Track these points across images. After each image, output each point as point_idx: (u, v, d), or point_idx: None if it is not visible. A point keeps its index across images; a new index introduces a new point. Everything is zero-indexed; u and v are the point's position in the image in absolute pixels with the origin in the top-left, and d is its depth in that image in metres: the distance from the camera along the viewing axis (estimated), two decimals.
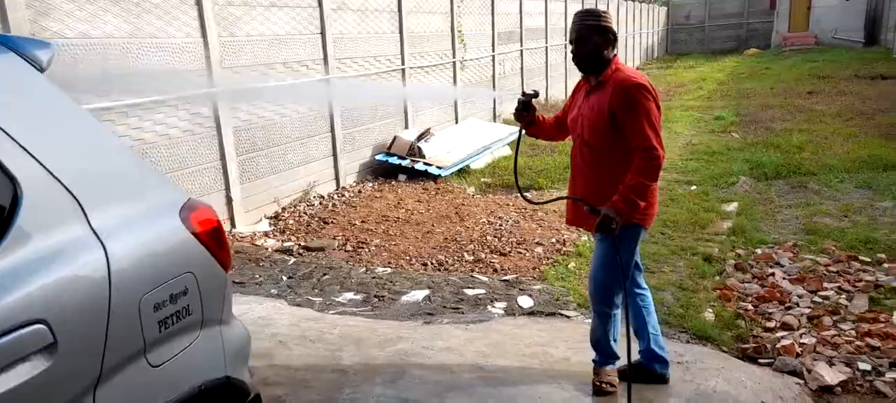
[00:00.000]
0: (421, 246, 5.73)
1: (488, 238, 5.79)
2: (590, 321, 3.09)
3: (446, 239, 5.89)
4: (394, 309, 4.17)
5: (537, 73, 15.11)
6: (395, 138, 8.72)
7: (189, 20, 5.81)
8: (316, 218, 6.64)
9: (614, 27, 2.81)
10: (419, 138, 8.71)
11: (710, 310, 4.04)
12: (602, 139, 2.77)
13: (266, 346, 3.46)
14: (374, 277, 4.79)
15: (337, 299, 4.38)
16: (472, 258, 5.31)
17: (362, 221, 6.53)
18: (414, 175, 8.35)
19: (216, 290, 1.92)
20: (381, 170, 8.62)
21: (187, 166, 5.89)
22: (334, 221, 6.54)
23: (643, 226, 2.85)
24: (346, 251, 5.64)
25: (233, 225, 6.41)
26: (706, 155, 8.83)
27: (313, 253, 5.58)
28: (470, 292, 4.43)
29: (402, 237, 5.99)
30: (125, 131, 5.28)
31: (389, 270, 4.99)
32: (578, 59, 2.82)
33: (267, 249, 5.64)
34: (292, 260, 5.27)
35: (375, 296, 4.40)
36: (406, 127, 9.34)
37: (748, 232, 5.53)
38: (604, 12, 2.82)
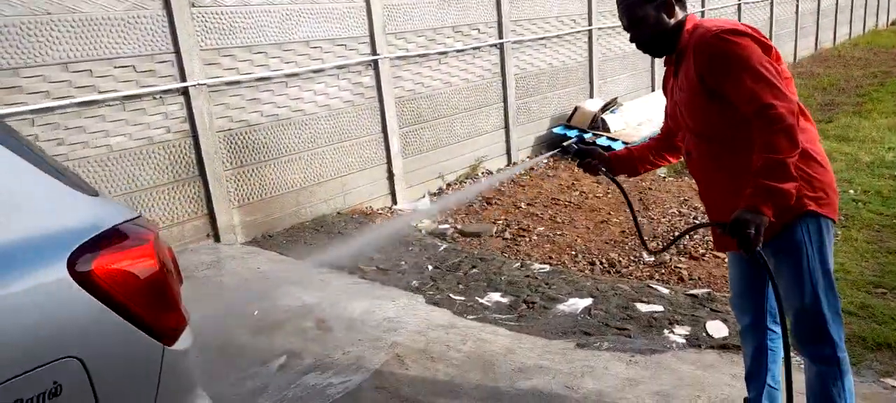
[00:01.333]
0: (591, 238, 4.87)
1: (677, 234, 4.74)
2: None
3: (623, 231, 4.95)
4: (544, 321, 3.44)
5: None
6: (576, 109, 7.80)
7: None
8: (480, 198, 6.06)
9: None
10: (604, 109, 7.70)
11: None
12: (708, 120, 1.98)
13: (382, 360, 2.96)
14: (527, 275, 4.07)
15: (480, 300, 3.76)
16: (651, 259, 4.34)
17: (528, 204, 5.81)
18: None
19: (134, 382, 1.28)
20: (558, 144, 7.75)
21: (348, 138, 5.63)
22: (498, 202, 5.91)
23: (823, 214, 1.92)
24: (503, 239, 4.98)
25: (394, 201, 6.09)
26: None
27: (468, 239, 5.01)
28: (643, 308, 3.53)
29: (571, 226, 5.17)
30: (284, 102, 5.12)
31: (548, 268, 4.24)
32: (643, 47, 2.11)
33: (420, 232, 5.19)
34: (444, 246, 4.75)
35: (525, 301, 3.69)
36: (591, 96, 8.35)
37: None
38: None
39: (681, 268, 4.14)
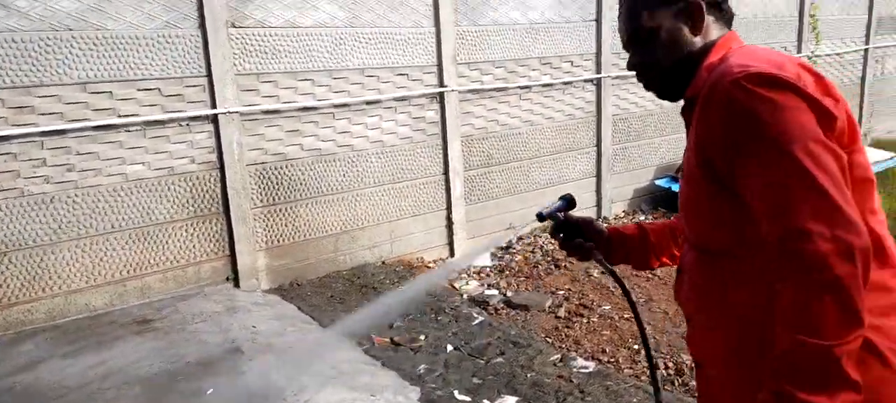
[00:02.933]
0: (666, 329, 3.91)
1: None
2: None
3: None
4: None
5: None
6: None
7: (418, 5, 4.94)
8: (550, 258, 5.25)
9: None
10: None
11: None
12: (710, 224, 1.20)
13: None
14: (562, 376, 3.24)
15: None
16: None
17: (603, 272, 4.90)
18: None
19: None
20: (663, 199, 6.72)
21: (402, 178, 5.08)
22: (569, 265, 5.06)
23: None
24: (556, 316, 4.15)
25: (451, 252, 5.44)
26: None
27: (513, 312, 4.23)
28: None
29: (646, 307, 4.22)
30: (329, 135, 4.67)
31: (592, 367, 3.37)
32: (651, 84, 1.37)
33: (462, 296, 4.49)
34: (480, 319, 4.01)
35: None
36: None
37: None
38: None
39: None
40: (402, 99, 4.97)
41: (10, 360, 3.34)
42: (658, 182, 6.67)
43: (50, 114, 3.65)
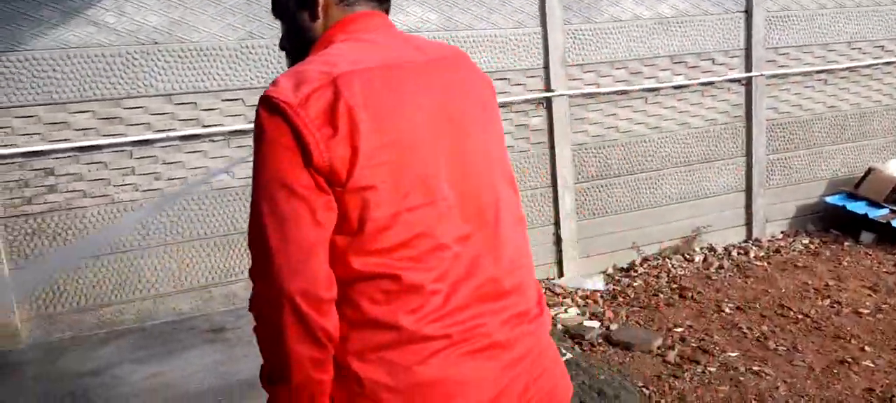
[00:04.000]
0: (808, 390, 3.04)
1: None
2: None
3: (880, 389, 3.00)
4: None
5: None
6: (869, 171, 5.45)
7: (522, 4, 4.48)
8: (674, 286, 4.48)
9: None
10: None
11: None
12: None
13: None
14: None
15: None
16: None
17: (739, 307, 4.06)
18: (890, 236, 5.04)
19: None
20: (833, 220, 5.53)
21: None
22: (696, 297, 4.27)
23: None
24: (664, 361, 3.44)
25: (560, 272, 4.87)
26: None
27: (611, 351, 3.59)
28: None
29: (785, 358, 3.36)
30: None
31: None
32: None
33: (555, 325, 3.93)
34: (568, 355, 3.44)
35: None
36: None
37: None
38: None
39: None
40: (503, 105, 4.52)
41: (89, 362, 3.44)
42: (830, 199, 5.50)
43: (137, 124, 3.76)
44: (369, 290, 1.01)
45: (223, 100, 3.90)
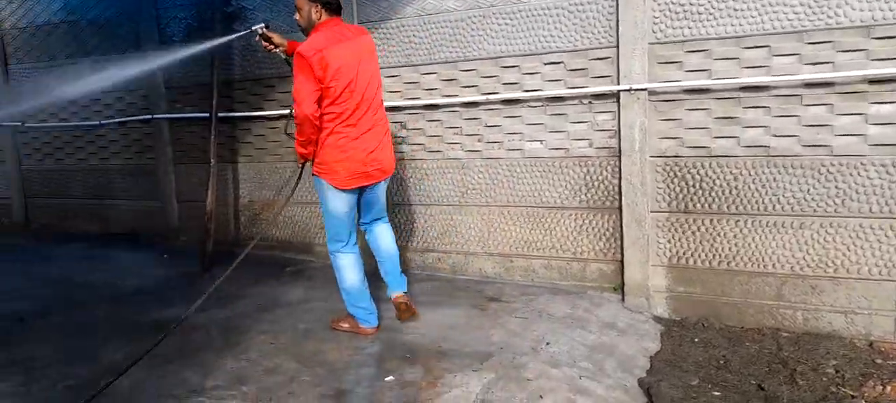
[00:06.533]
0: None
1: None
2: None
3: None
4: None
5: None
6: None
7: None
8: None
9: None
10: None
11: None
12: None
13: None
14: None
15: None
16: None
17: None
18: None
19: None
20: None
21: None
22: None
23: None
24: None
25: None
26: None
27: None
28: None
29: None
30: (787, 127, 3.18)
31: None
32: None
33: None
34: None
35: None
36: None
37: None
38: None
39: None
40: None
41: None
42: None
43: (469, 86, 3.93)
44: (328, 115, 2.94)
45: (545, 64, 3.70)
